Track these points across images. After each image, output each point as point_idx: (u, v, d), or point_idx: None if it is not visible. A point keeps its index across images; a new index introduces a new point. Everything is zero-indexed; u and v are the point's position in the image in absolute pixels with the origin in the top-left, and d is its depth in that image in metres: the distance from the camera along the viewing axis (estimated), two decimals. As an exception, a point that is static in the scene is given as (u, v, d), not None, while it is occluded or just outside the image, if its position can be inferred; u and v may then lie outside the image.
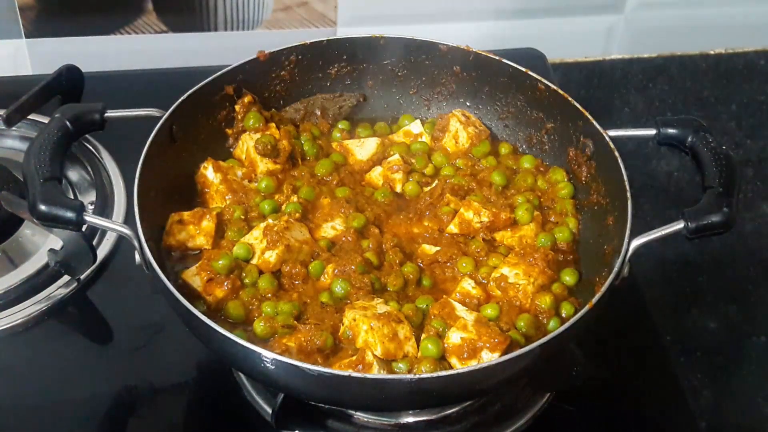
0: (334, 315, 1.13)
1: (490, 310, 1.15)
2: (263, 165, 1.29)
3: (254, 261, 1.19)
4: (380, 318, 1.10)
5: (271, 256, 1.18)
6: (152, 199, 1.17)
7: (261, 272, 1.18)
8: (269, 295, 1.16)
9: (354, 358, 1.08)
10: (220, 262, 1.16)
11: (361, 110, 1.44)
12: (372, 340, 1.08)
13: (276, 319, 1.12)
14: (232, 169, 1.29)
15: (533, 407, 1.22)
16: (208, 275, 1.15)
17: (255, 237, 1.20)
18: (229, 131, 1.33)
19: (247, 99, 1.32)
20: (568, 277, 1.21)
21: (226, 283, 1.15)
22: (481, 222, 1.23)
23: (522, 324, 1.13)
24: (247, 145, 1.31)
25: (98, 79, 1.56)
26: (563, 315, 1.16)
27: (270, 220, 1.21)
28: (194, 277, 1.15)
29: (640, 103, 1.76)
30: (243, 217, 1.24)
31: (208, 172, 1.27)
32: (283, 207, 1.25)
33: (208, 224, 1.21)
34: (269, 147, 1.29)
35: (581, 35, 1.86)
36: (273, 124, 1.33)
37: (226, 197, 1.27)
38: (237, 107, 1.32)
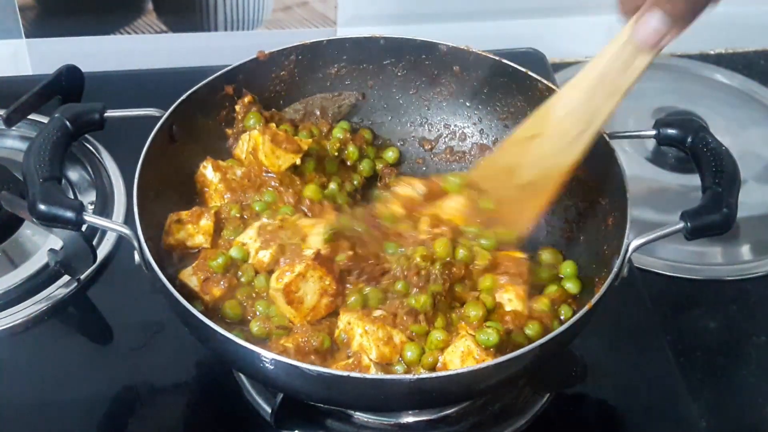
0: (331, 318, 1.13)
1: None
2: (283, 161, 1.29)
3: (250, 261, 1.19)
4: (375, 322, 1.09)
5: (265, 255, 1.18)
6: (152, 199, 1.18)
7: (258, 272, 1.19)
8: (264, 294, 1.16)
9: (351, 360, 1.08)
10: (216, 261, 1.15)
11: (361, 110, 1.44)
12: (366, 344, 1.08)
13: (271, 320, 1.12)
14: (232, 168, 1.29)
15: (533, 407, 1.22)
16: (205, 274, 1.15)
17: (249, 236, 1.20)
18: (229, 131, 1.33)
19: (247, 99, 1.32)
20: (570, 284, 1.21)
21: (222, 282, 1.15)
22: None
23: (530, 332, 1.13)
24: (247, 144, 1.30)
25: (98, 79, 1.55)
26: (561, 317, 1.17)
27: (264, 219, 1.20)
28: (191, 276, 1.15)
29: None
30: (239, 215, 1.24)
31: (208, 171, 1.27)
32: (279, 209, 1.24)
33: (206, 223, 1.21)
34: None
35: (581, 35, 1.86)
36: (273, 124, 1.33)
37: (225, 196, 1.27)
38: (237, 107, 1.32)
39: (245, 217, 1.24)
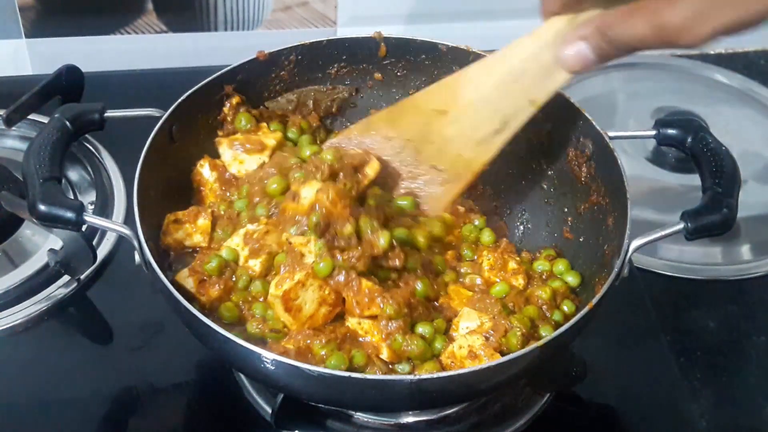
0: (333, 323, 1.13)
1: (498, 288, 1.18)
2: (249, 163, 1.28)
3: (240, 264, 1.18)
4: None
5: (255, 265, 1.16)
6: (152, 198, 1.17)
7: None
8: (261, 298, 1.15)
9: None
10: (210, 264, 1.15)
11: (361, 110, 1.43)
12: (376, 342, 1.09)
13: (267, 323, 1.12)
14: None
15: (533, 407, 1.22)
16: (200, 276, 1.15)
17: (236, 244, 1.18)
18: (220, 133, 1.33)
19: (235, 100, 1.31)
20: (571, 278, 1.21)
21: (218, 285, 1.15)
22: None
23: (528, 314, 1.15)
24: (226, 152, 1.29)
25: (98, 79, 1.56)
26: (565, 310, 1.18)
27: (250, 226, 1.19)
28: (187, 279, 1.15)
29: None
30: (224, 213, 1.23)
31: (204, 169, 1.27)
32: (255, 209, 1.21)
33: (204, 222, 1.21)
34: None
35: (581, 35, 1.86)
36: (264, 124, 1.33)
37: (219, 194, 1.27)
38: (225, 109, 1.31)
39: (231, 216, 1.24)
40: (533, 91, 1.09)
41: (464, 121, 1.15)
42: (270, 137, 1.30)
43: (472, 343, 1.08)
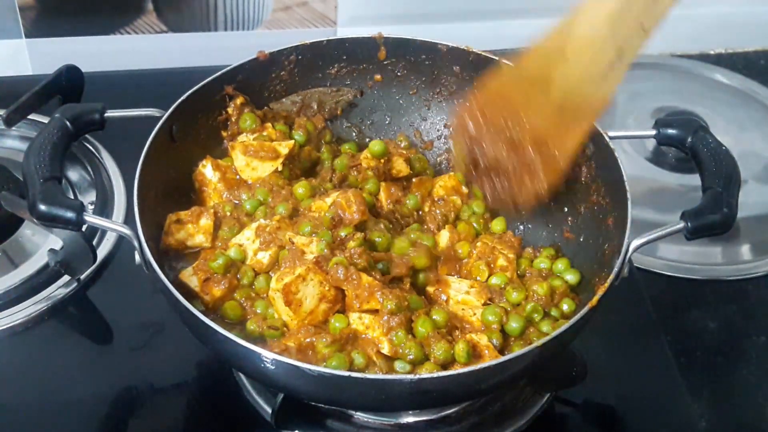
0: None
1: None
2: (262, 170, 1.29)
3: (247, 262, 1.18)
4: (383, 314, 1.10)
5: (264, 257, 1.18)
6: (152, 198, 1.18)
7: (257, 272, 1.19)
8: (264, 295, 1.16)
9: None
10: (217, 262, 1.15)
11: (361, 110, 1.44)
12: (378, 337, 1.09)
13: (266, 321, 1.12)
14: (231, 167, 1.29)
15: (533, 407, 1.22)
16: (205, 275, 1.15)
17: (247, 237, 1.19)
18: (224, 134, 1.33)
19: (239, 101, 1.32)
20: (570, 276, 1.21)
21: (223, 283, 1.15)
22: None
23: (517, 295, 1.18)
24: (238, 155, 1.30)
25: (98, 79, 1.56)
26: (564, 309, 1.18)
27: (262, 221, 1.20)
28: (191, 277, 1.15)
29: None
30: (229, 213, 1.24)
31: (207, 170, 1.27)
32: (275, 207, 1.23)
33: (206, 222, 1.21)
34: None
35: (581, 35, 1.86)
36: (269, 124, 1.33)
37: (224, 195, 1.27)
38: (230, 110, 1.32)
39: (238, 216, 1.24)
40: (643, 16, 1.11)
41: (582, 56, 1.15)
42: (284, 146, 1.30)
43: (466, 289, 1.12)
